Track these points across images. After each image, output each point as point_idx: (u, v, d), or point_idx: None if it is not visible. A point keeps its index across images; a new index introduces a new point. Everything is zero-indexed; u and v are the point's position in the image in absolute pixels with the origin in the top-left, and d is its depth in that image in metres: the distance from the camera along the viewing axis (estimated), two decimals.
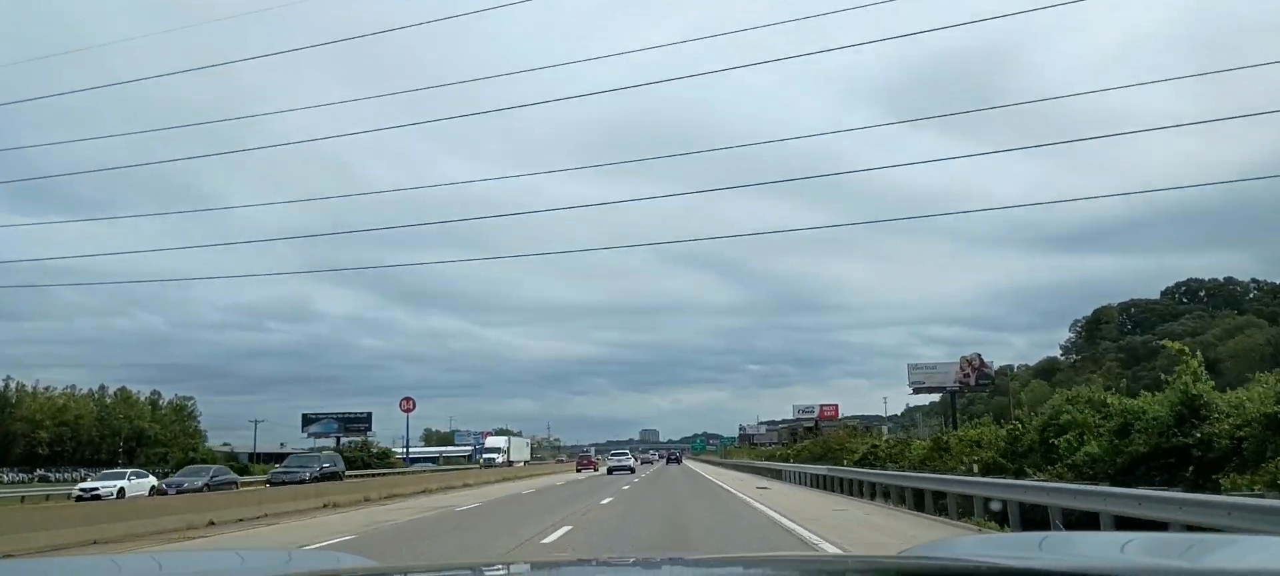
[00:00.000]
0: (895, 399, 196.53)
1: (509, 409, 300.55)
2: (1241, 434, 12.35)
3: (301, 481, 30.02)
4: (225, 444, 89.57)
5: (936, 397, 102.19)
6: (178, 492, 26.07)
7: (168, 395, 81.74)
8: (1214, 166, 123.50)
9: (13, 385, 72.28)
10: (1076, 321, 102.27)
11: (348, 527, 18.85)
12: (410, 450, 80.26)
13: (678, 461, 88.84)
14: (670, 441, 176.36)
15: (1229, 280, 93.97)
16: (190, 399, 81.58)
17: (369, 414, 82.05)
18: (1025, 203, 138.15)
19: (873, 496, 23.38)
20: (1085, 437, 16.43)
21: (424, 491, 33.61)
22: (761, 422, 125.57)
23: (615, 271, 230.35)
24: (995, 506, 14.29)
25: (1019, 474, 17.87)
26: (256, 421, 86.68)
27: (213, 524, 21.09)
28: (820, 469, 29.64)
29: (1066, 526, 11.28)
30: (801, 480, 33.62)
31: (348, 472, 55.44)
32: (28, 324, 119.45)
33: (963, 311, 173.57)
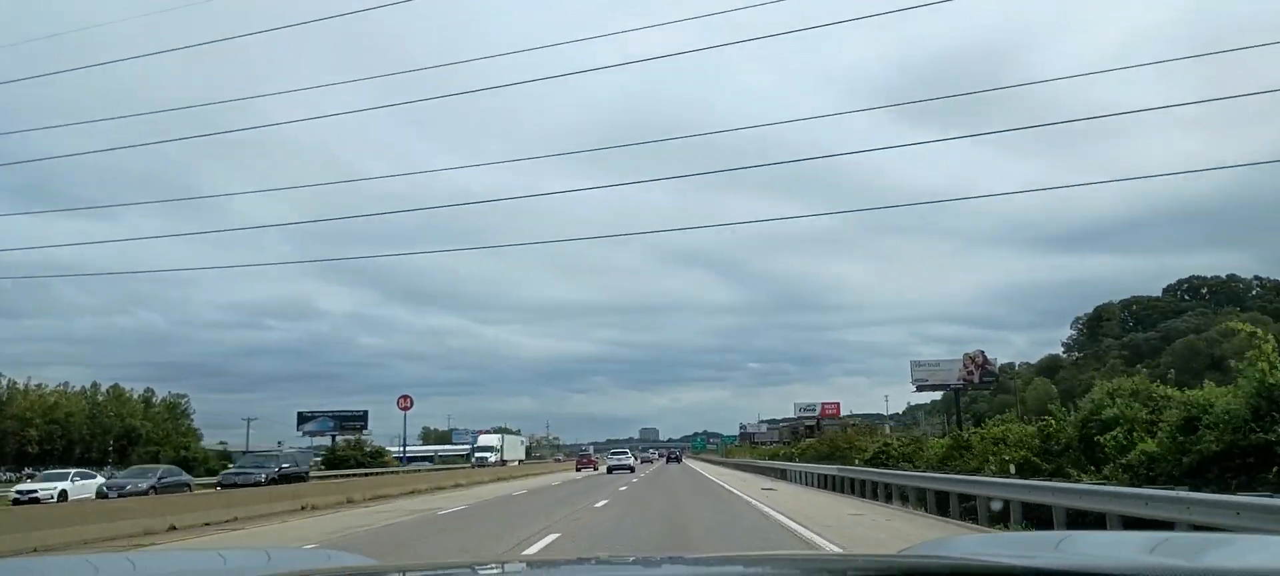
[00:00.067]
0: (896, 397, 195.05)
1: (508, 407, 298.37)
2: None
3: (256, 484, 27.43)
4: (222, 442, 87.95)
5: (938, 396, 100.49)
6: (120, 496, 23.45)
7: (168, 394, 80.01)
8: (1215, 162, 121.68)
9: (4, 382, 70.38)
10: (1078, 319, 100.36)
11: (316, 533, 16.97)
12: (407, 449, 78.17)
13: (678, 460, 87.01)
14: (670, 440, 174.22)
15: (1232, 277, 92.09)
16: (184, 397, 79.69)
17: (365, 412, 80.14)
18: (1029, 187, 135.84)
19: (889, 498, 21.45)
20: (1134, 434, 14.51)
21: (412, 492, 31.67)
22: (762, 421, 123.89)
23: (615, 270, 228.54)
24: (992, 509, 12.35)
25: (1057, 475, 15.95)
26: (249, 419, 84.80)
27: (174, 528, 19.17)
28: (830, 469, 27.68)
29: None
30: (808, 480, 31.68)
31: (345, 472, 53.73)
32: (28, 322, 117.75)
33: (963, 310, 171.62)
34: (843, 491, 25.71)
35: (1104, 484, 11.93)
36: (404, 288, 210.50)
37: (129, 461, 71.53)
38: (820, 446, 36.75)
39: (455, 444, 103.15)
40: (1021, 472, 16.66)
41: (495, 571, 2.89)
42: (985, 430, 22.18)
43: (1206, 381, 14.69)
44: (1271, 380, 11.81)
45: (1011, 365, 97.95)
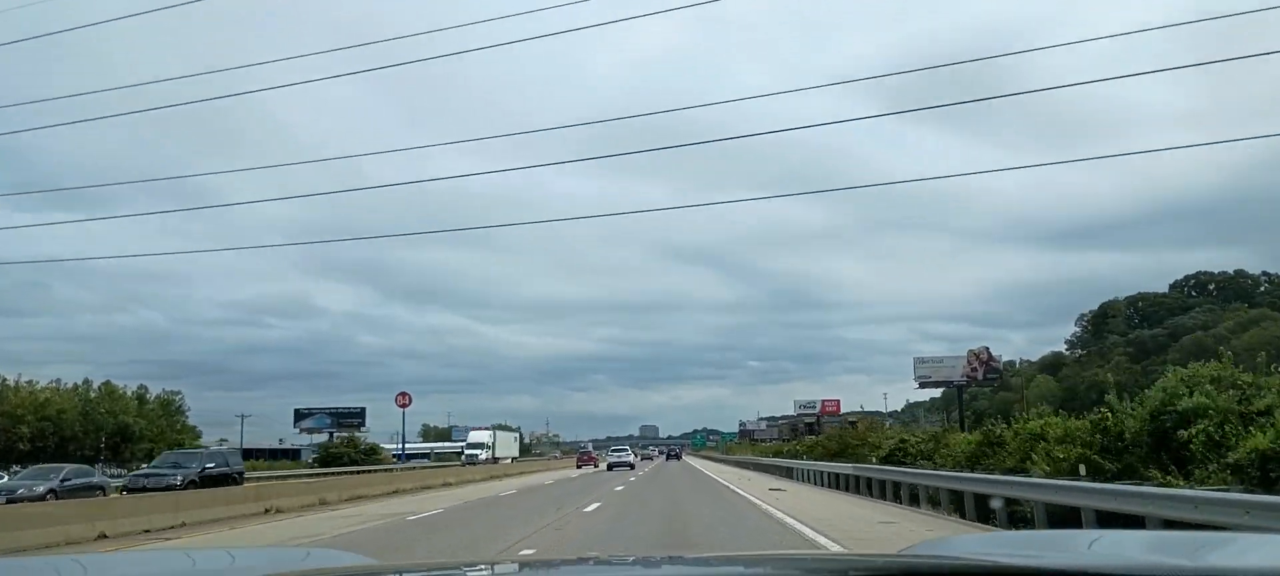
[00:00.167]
0: (895, 395, 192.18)
1: (508, 405, 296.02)
2: None
3: (171, 487, 22.20)
4: (222, 439, 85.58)
5: (938, 393, 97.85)
6: (9, 500, 19.33)
7: (162, 390, 77.51)
8: (1216, 161, 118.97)
9: None
10: (1082, 316, 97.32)
11: (265, 542, 14.31)
12: (405, 447, 75.55)
13: (677, 457, 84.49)
14: (670, 437, 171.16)
15: (1239, 273, 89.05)
16: (178, 393, 77.14)
17: (362, 409, 77.70)
18: (1027, 165, 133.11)
19: (915, 502, 18.76)
20: (1226, 427, 11.80)
21: (394, 492, 28.97)
22: (762, 419, 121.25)
23: (615, 268, 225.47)
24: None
25: (1125, 473, 13.23)
26: (243, 416, 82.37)
27: (104, 536, 16.49)
28: (844, 467, 24.97)
29: None
30: (817, 480, 28.97)
31: (341, 470, 51.02)
32: (29, 320, 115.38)
33: (962, 308, 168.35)
34: (857, 492, 23.04)
35: (1225, 490, 9.17)
36: (403, 286, 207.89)
37: (122, 459, 68.94)
38: (829, 443, 34.01)
39: (454, 441, 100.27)
40: (1073, 472, 13.95)
41: (495, 570, 2.91)
42: (1019, 425, 19.44)
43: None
44: None
45: (1012, 363, 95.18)
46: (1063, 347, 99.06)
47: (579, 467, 58.44)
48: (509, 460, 75.60)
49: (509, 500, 23.89)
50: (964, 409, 71.53)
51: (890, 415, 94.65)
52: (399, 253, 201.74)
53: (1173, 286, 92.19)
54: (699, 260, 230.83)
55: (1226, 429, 11.78)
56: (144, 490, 21.90)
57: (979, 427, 34.17)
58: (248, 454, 79.48)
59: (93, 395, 72.52)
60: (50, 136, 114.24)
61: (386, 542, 13.77)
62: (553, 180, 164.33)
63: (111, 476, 31.34)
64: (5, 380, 68.74)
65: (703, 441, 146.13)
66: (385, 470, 47.71)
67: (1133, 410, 14.64)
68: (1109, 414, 15.24)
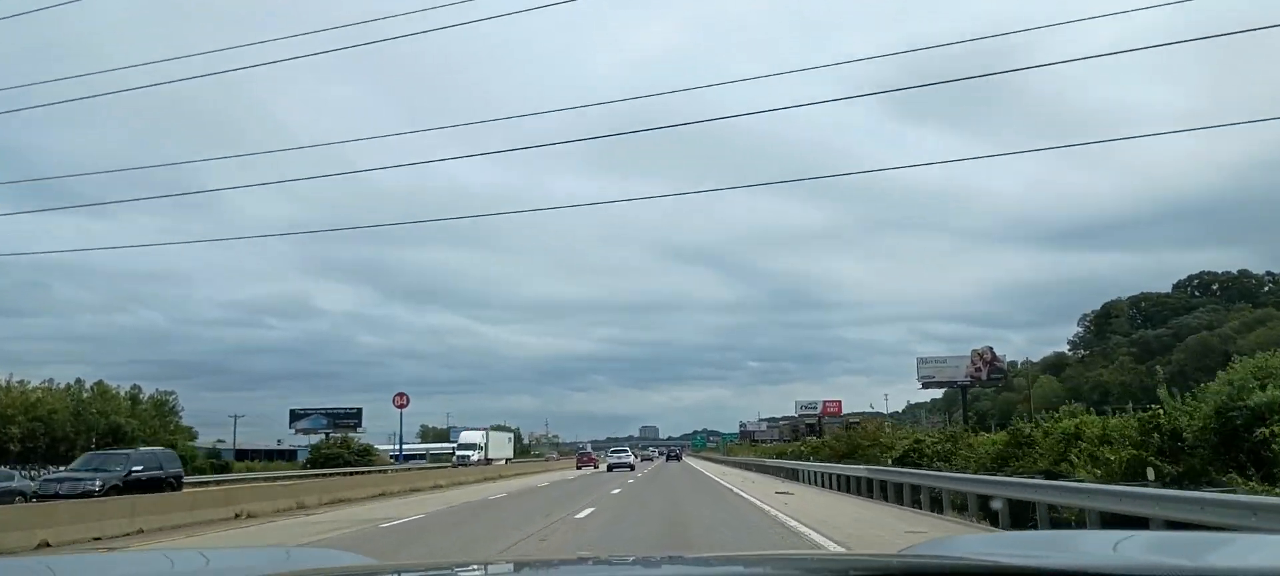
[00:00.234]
0: (896, 395, 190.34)
1: (508, 405, 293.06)
2: None
3: (89, 493, 18.98)
4: (220, 440, 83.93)
5: (939, 394, 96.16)
6: None
7: (156, 390, 75.76)
8: (1216, 161, 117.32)
9: None
10: (1085, 316, 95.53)
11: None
12: (402, 447, 73.76)
13: (678, 458, 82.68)
14: (670, 438, 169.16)
15: (1243, 273, 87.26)
16: (172, 393, 75.31)
17: (359, 409, 75.95)
18: (1025, 149, 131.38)
19: (938, 508, 17.02)
20: None
21: (381, 495, 27.20)
22: (762, 419, 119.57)
23: (615, 268, 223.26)
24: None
25: (1188, 476, 11.50)
26: (236, 416, 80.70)
27: (46, 544, 14.76)
28: (858, 469, 23.18)
29: None
30: (826, 482, 27.21)
31: (341, 471, 49.17)
32: (29, 320, 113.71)
33: (963, 309, 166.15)
34: (870, 495, 21.28)
35: None
36: (403, 286, 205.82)
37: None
38: (837, 444, 32.22)
39: (453, 442, 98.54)
40: (1133, 476, 12.21)
41: (493, 570, 2.86)
42: (1050, 425, 17.71)
43: None
44: None
45: (1014, 363, 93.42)
46: (1064, 348, 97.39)
47: (578, 469, 56.66)
48: (503, 461, 73.44)
49: (497, 504, 22.14)
50: (967, 409, 70.03)
51: (891, 416, 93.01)
52: (398, 253, 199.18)
53: (1176, 286, 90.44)
54: (699, 260, 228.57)
55: None
56: (56, 497, 18.77)
57: (981, 428, 32.54)
58: (244, 454, 77.96)
59: (85, 395, 70.90)
60: (50, 137, 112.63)
61: (363, 552, 12.03)
62: (553, 180, 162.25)
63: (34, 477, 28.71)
64: None
65: (703, 442, 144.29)
66: (377, 471, 45.86)
67: (1188, 407, 12.92)
68: (1162, 411, 13.52)
